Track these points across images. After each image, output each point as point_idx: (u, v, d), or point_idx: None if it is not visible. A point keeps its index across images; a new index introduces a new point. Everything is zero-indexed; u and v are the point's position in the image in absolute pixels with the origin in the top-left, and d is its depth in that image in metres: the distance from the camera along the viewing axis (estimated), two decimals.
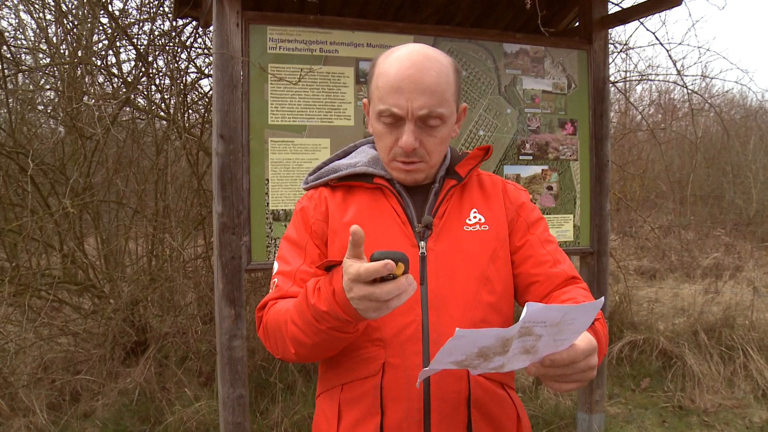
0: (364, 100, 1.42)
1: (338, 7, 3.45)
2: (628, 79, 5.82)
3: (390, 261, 0.97)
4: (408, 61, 1.26)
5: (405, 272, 1.00)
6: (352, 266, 1.00)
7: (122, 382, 3.80)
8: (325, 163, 1.47)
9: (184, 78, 4.10)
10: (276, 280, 1.34)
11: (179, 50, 3.96)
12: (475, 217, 1.36)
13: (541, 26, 2.93)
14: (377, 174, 1.37)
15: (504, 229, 1.38)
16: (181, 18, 3.48)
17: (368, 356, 1.27)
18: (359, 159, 1.42)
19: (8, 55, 3.87)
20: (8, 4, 4.08)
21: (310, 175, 1.47)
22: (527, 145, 3.24)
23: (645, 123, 6.23)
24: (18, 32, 4.51)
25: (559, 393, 4.24)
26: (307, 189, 1.45)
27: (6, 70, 3.86)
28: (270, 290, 1.35)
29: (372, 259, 0.99)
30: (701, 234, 8.48)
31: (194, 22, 3.76)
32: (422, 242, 1.31)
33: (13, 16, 4.66)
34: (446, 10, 3.58)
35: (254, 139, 2.80)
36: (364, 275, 0.98)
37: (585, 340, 1.06)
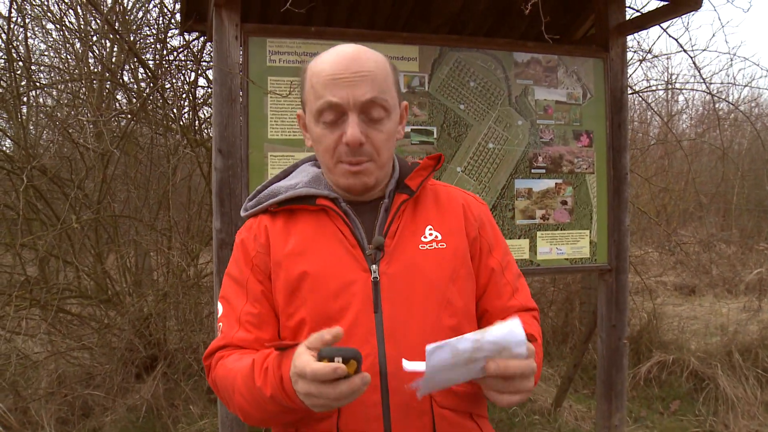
0: (298, 112, 1.32)
1: (345, 19, 3.39)
2: (651, 88, 5.62)
3: (340, 365, 0.90)
4: (341, 54, 1.19)
5: (357, 370, 0.93)
6: (300, 359, 0.94)
7: (131, 398, 3.77)
8: (264, 186, 1.36)
9: (194, 91, 4.09)
10: (221, 324, 1.25)
11: (191, 64, 3.95)
12: (430, 234, 1.26)
13: (553, 34, 2.80)
14: (320, 194, 1.26)
15: (464, 245, 1.28)
16: (188, 32, 3.46)
17: None
18: (299, 179, 1.31)
19: (20, 72, 3.92)
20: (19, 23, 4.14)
21: (248, 200, 1.35)
22: (540, 158, 3.11)
23: (673, 134, 6.00)
24: (35, 50, 4.59)
25: (578, 416, 4.08)
26: (246, 217, 1.34)
27: (20, 87, 3.91)
28: (216, 334, 1.27)
29: (320, 357, 0.93)
30: (744, 248, 8.14)
31: (202, 37, 3.75)
32: (374, 266, 1.20)
33: (30, 35, 4.74)
34: (457, 19, 3.49)
35: (253, 154, 2.74)
36: (310, 376, 0.91)
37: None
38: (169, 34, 4.10)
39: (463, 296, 1.25)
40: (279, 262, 1.23)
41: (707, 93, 5.09)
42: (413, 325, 1.18)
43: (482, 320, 1.31)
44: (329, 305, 1.18)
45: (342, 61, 1.18)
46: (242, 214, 1.34)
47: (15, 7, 4.12)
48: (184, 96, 4.06)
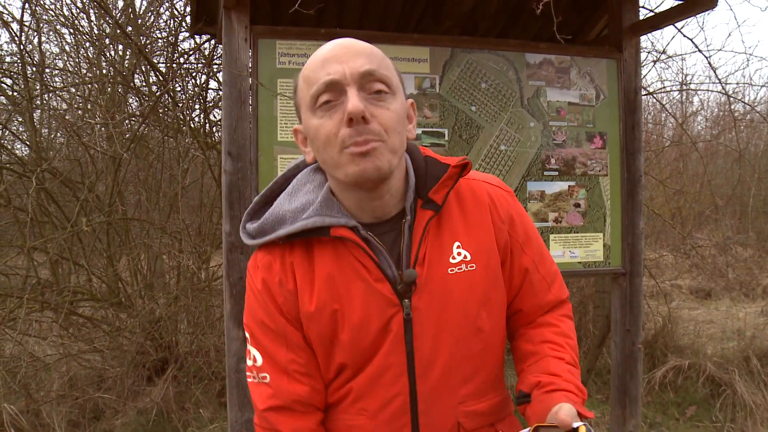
0: (295, 127, 1.19)
1: (357, 20, 3.37)
2: (665, 89, 5.56)
3: None
4: (331, 43, 1.11)
5: None
6: None
7: (142, 401, 3.77)
8: (264, 201, 1.24)
9: (205, 94, 4.10)
10: (266, 376, 1.16)
11: (201, 66, 3.96)
12: (459, 254, 1.16)
13: (566, 35, 2.77)
14: (334, 224, 1.12)
15: (494, 261, 1.19)
16: (198, 34, 3.46)
17: (354, 423, 1.16)
18: (307, 199, 1.17)
19: (33, 76, 3.94)
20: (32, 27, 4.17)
21: (249, 221, 1.22)
22: (552, 160, 3.07)
23: (689, 136, 5.93)
24: (48, 54, 4.62)
25: (592, 422, 4.02)
26: (253, 245, 1.19)
27: (32, 90, 3.93)
28: (252, 379, 1.18)
29: None
30: (762, 251, 8.02)
31: (212, 39, 3.75)
32: (405, 300, 1.12)
33: (44, 39, 4.77)
34: (469, 20, 3.46)
35: (263, 156, 2.73)
36: None
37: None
38: (180, 37, 4.12)
39: (492, 319, 1.19)
40: (309, 315, 1.14)
41: (723, 94, 5.03)
42: (443, 357, 1.14)
43: (512, 319, 1.28)
44: (364, 348, 1.13)
45: (333, 46, 1.09)
46: (246, 241, 1.20)
47: (29, 11, 4.15)
48: (194, 99, 4.06)
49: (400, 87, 1.12)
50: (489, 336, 1.19)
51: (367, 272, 1.12)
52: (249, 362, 1.19)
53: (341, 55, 1.06)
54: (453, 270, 1.15)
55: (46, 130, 5.02)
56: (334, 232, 1.11)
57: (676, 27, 3.58)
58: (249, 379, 1.20)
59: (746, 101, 6.89)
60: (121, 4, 4.58)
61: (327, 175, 1.17)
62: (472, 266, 1.16)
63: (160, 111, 4.20)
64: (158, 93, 4.11)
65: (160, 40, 4.36)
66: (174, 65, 4.02)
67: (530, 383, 1.16)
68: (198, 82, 4.22)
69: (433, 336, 1.13)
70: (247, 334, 1.19)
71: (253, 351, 1.18)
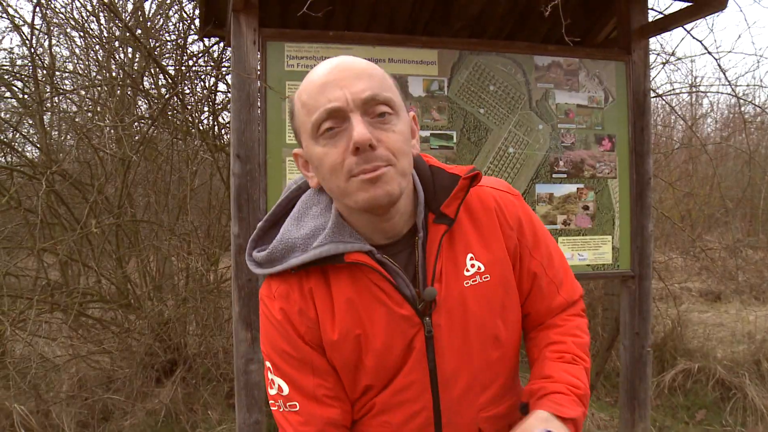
0: (294, 151, 1.15)
1: (365, 23, 3.38)
2: (674, 91, 5.53)
3: None
4: (326, 64, 1.06)
5: None
6: None
7: (150, 403, 3.79)
8: (267, 228, 1.19)
9: (214, 96, 4.11)
10: (297, 403, 1.13)
11: (210, 69, 3.98)
12: (473, 266, 1.14)
13: (574, 37, 2.77)
14: (348, 251, 1.08)
15: (507, 269, 1.19)
16: (207, 37, 3.48)
17: None
18: (315, 224, 1.13)
19: (43, 78, 3.97)
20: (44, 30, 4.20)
21: (255, 248, 1.17)
22: (561, 163, 3.07)
23: (698, 138, 5.90)
24: (58, 57, 4.65)
25: (601, 425, 4.00)
26: (262, 274, 1.15)
27: (42, 93, 3.96)
28: (278, 408, 1.15)
29: None
30: None
31: (221, 42, 3.77)
32: (426, 318, 1.11)
33: (55, 42, 4.80)
34: (477, 23, 3.46)
35: (271, 159, 2.73)
36: None
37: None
38: (189, 40, 4.14)
39: (508, 327, 1.20)
40: (332, 343, 1.12)
41: (733, 96, 5.01)
42: (465, 370, 1.15)
43: (524, 321, 1.28)
44: (388, 369, 1.13)
45: (330, 69, 1.04)
46: (255, 270, 1.15)
47: (39, 14, 4.19)
48: (203, 101, 4.08)
49: (402, 104, 1.09)
50: (506, 342, 1.20)
51: (386, 296, 1.10)
52: (272, 391, 1.16)
53: (340, 79, 1.01)
54: (468, 283, 1.13)
55: (56, 133, 5.06)
56: (348, 258, 1.08)
57: (685, 29, 3.56)
58: (273, 408, 1.17)
59: (756, 103, 6.86)
60: (130, 7, 4.62)
61: (334, 199, 1.13)
62: (487, 277, 1.15)
63: (169, 113, 4.22)
64: (167, 96, 4.13)
65: (169, 43, 4.39)
66: (183, 68, 4.05)
67: (527, 392, 1.18)
68: (207, 84, 4.25)
69: (454, 350, 1.13)
70: (268, 364, 1.16)
71: (277, 380, 1.15)
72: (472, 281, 1.14)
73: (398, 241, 1.13)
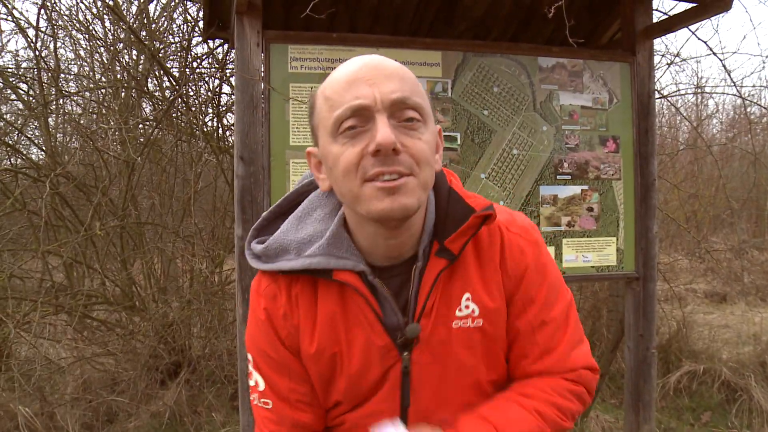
0: (308, 149, 1.10)
1: (369, 25, 3.37)
2: (679, 92, 5.51)
3: None
4: (357, 60, 1.00)
5: None
6: None
7: (155, 405, 3.79)
8: (271, 219, 1.17)
9: (218, 98, 4.12)
10: (269, 402, 1.13)
11: (214, 71, 3.98)
12: (467, 307, 1.08)
13: (578, 38, 2.76)
14: (340, 267, 1.04)
15: (502, 318, 1.11)
16: (211, 39, 3.48)
17: None
18: (314, 229, 1.09)
19: (48, 81, 3.98)
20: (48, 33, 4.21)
21: (255, 237, 1.15)
22: (565, 164, 3.06)
23: (703, 139, 5.88)
24: (62, 59, 4.66)
25: (606, 427, 3.99)
26: (257, 268, 1.12)
27: (47, 95, 3.97)
28: (255, 401, 1.15)
29: None
30: None
31: (225, 44, 3.77)
32: (405, 353, 1.07)
33: (60, 44, 4.82)
34: (481, 25, 3.45)
35: (275, 161, 2.73)
36: None
37: None
38: (193, 42, 4.15)
39: (491, 371, 1.14)
40: (308, 355, 1.10)
41: (738, 96, 4.98)
42: (439, 410, 1.11)
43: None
44: (361, 393, 1.12)
45: (361, 66, 0.98)
46: (251, 261, 1.12)
47: (44, 17, 4.20)
48: (207, 103, 4.09)
49: (431, 114, 1.02)
50: (488, 390, 1.15)
51: (368, 323, 1.06)
52: (251, 382, 1.16)
53: (371, 76, 0.95)
54: (458, 324, 1.07)
55: (61, 135, 5.07)
56: (337, 276, 1.03)
57: (690, 30, 3.55)
58: (251, 397, 1.18)
59: (762, 104, 6.82)
60: (134, 9, 4.63)
61: (343, 205, 1.07)
62: (479, 322, 1.08)
63: (174, 115, 4.23)
64: (171, 97, 4.14)
65: (173, 45, 4.40)
66: (187, 70, 4.05)
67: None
68: (211, 86, 4.26)
69: (430, 390, 1.10)
70: (249, 356, 1.16)
71: (255, 375, 1.15)
72: (462, 323, 1.07)
73: (397, 265, 1.08)
